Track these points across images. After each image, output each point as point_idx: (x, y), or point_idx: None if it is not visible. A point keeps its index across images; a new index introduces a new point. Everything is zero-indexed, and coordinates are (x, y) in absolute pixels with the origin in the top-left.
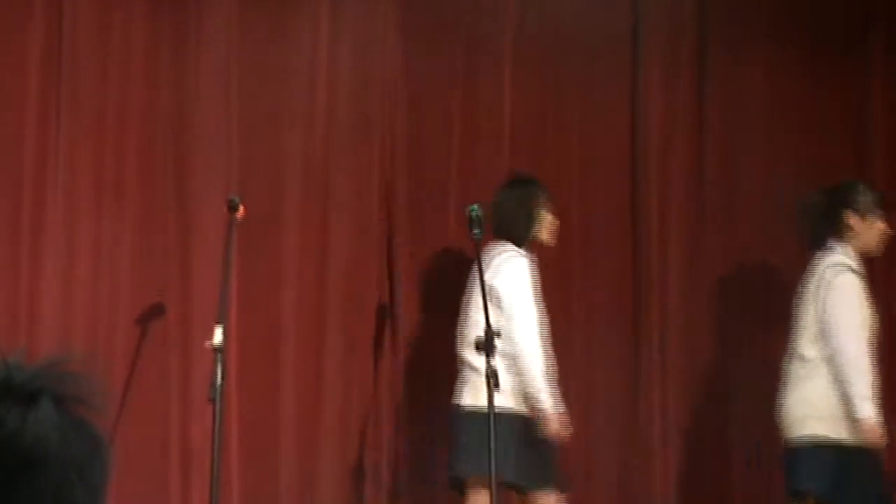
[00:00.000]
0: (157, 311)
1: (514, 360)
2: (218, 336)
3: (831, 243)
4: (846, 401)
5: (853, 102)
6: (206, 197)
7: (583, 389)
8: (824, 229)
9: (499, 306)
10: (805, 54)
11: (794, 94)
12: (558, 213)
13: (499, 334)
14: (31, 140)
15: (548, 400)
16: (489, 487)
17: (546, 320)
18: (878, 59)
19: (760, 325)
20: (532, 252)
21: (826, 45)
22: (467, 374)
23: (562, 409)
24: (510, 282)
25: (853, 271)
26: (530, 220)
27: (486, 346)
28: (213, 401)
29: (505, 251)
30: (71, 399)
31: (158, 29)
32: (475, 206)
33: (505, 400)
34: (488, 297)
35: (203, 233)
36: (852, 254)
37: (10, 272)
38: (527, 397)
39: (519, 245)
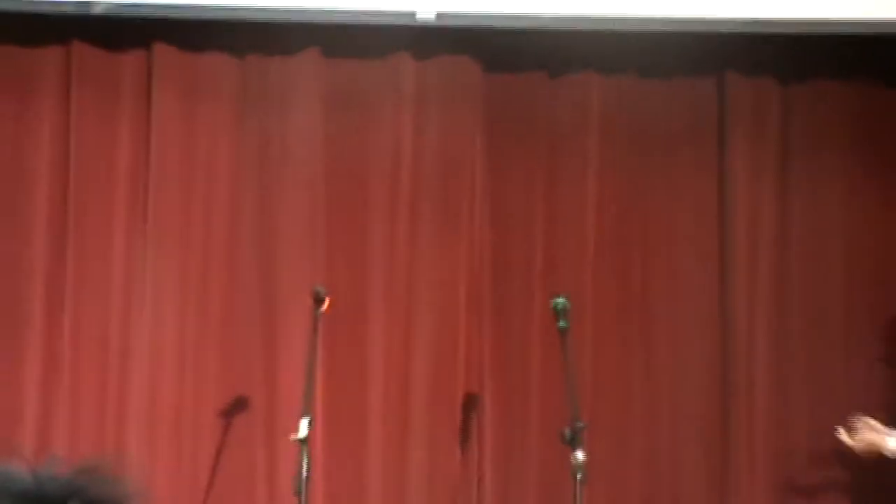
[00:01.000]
0: (242, 405)
1: None
2: (303, 429)
3: None
4: None
5: None
6: (292, 291)
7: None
8: None
9: None
10: (884, 170)
11: (873, 212)
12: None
13: (585, 426)
14: (119, 244)
15: None
16: None
17: None
18: None
19: None
20: None
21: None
22: None
23: None
24: None
25: None
26: None
27: (572, 439)
28: (298, 494)
29: None
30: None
31: (244, 130)
32: (560, 298)
33: None
34: None
35: (288, 327)
36: None
37: (100, 375)
38: None
39: None
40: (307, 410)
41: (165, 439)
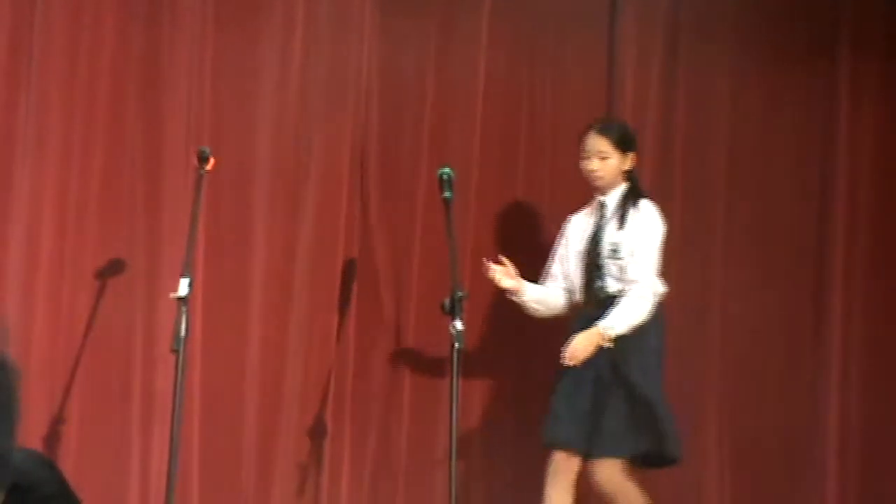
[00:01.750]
0: (122, 265)
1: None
2: (183, 287)
3: None
4: None
5: (819, 106)
6: (176, 157)
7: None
8: None
9: None
10: (770, 58)
11: (758, 98)
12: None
13: (465, 296)
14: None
15: None
16: None
17: None
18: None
19: None
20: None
21: (792, 52)
22: None
23: None
24: None
25: None
26: None
27: (452, 309)
28: (175, 351)
29: None
30: None
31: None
32: (446, 168)
33: None
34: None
35: (174, 188)
36: None
37: None
38: None
39: None
40: (188, 270)
41: (44, 297)
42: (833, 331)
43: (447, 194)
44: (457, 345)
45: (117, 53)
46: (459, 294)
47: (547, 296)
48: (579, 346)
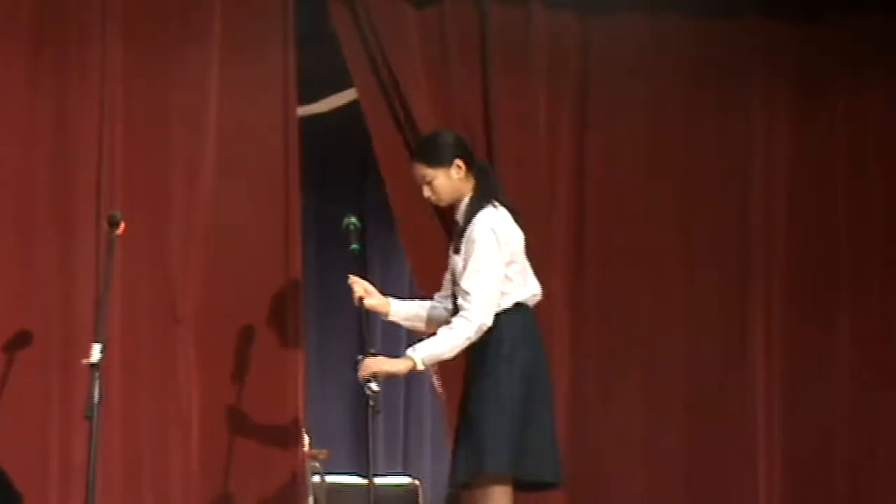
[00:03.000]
0: (32, 334)
1: None
2: (95, 353)
3: None
4: None
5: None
6: (87, 222)
7: None
8: None
9: None
10: (686, 91)
11: (675, 132)
12: None
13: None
14: None
15: None
16: None
17: None
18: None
19: None
20: None
21: (707, 80)
22: None
23: None
24: None
25: None
26: None
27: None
28: (89, 418)
29: None
30: None
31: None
32: (353, 218)
33: None
34: None
35: (85, 253)
36: None
37: None
38: None
39: None
40: (100, 335)
41: None
42: (756, 337)
43: (355, 246)
44: (371, 403)
45: (24, 120)
46: (372, 351)
47: (423, 310)
48: (373, 362)
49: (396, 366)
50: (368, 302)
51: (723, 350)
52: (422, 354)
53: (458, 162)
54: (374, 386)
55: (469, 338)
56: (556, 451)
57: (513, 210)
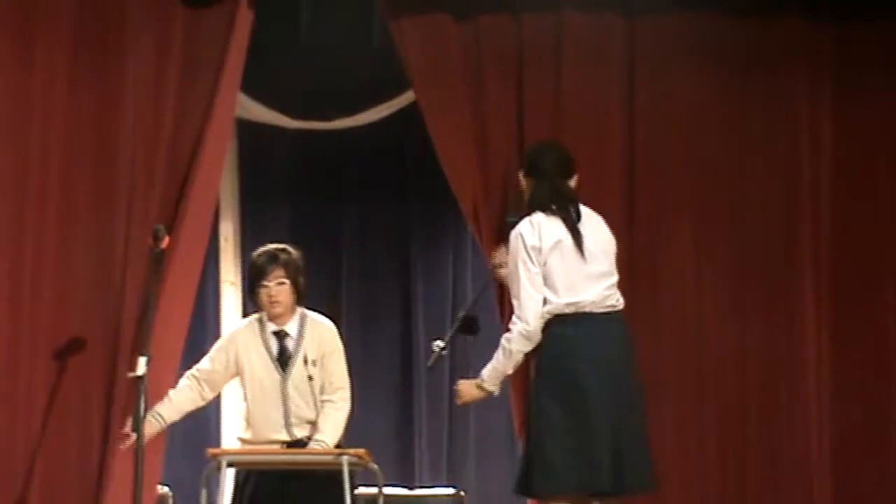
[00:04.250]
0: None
1: None
2: (141, 366)
3: None
4: None
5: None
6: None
7: None
8: None
9: None
10: (731, 89)
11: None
12: None
13: None
14: None
15: None
16: None
17: None
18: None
19: None
20: None
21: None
22: None
23: None
24: None
25: None
26: None
27: None
28: (136, 430)
29: None
30: None
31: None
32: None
33: None
34: None
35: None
36: None
37: None
38: None
39: None
40: (145, 348)
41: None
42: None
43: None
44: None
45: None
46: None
47: None
48: (465, 389)
49: (479, 394)
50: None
51: (771, 346)
52: (485, 375)
53: (521, 172)
54: None
55: (511, 342)
56: (596, 462)
57: (567, 217)
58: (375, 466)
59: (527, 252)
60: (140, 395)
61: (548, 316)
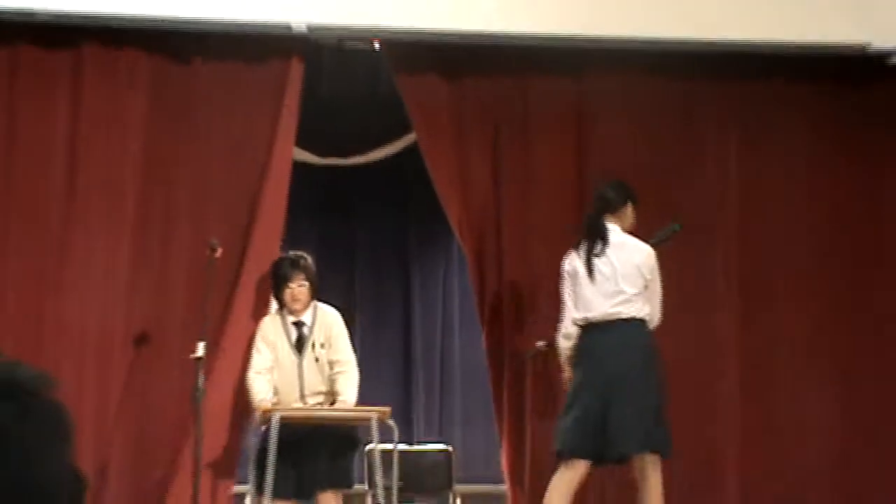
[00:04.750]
0: (147, 336)
1: None
2: (200, 349)
3: None
4: None
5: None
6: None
7: None
8: None
9: None
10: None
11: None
12: None
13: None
14: (52, 217)
15: None
16: None
17: None
18: None
19: None
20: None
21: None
22: None
23: None
24: None
25: None
26: None
27: None
28: (195, 402)
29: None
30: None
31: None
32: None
33: None
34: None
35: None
36: None
37: (36, 307)
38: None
39: None
40: (204, 334)
41: (93, 367)
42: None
43: (677, 227)
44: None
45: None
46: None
47: None
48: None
49: (567, 373)
50: None
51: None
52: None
53: None
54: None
55: (557, 339)
56: (591, 430)
57: (589, 248)
58: (391, 422)
59: (565, 279)
60: (199, 371)
61: (580, 323)
